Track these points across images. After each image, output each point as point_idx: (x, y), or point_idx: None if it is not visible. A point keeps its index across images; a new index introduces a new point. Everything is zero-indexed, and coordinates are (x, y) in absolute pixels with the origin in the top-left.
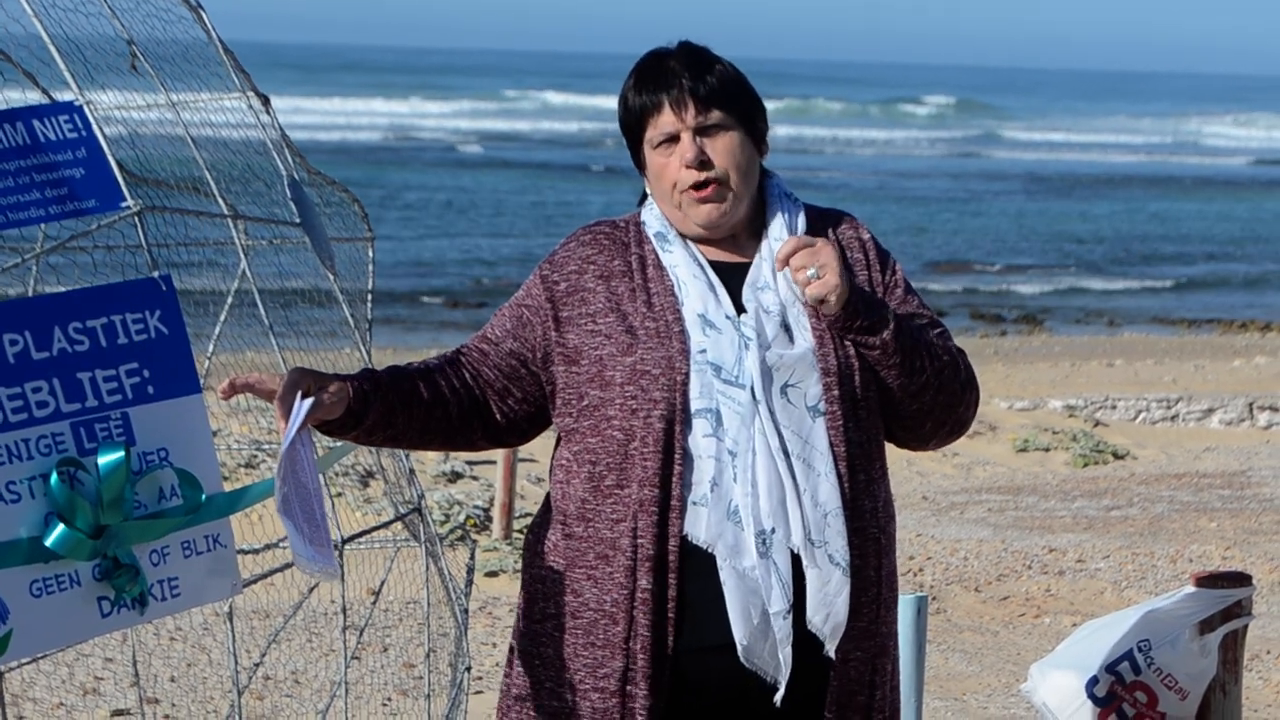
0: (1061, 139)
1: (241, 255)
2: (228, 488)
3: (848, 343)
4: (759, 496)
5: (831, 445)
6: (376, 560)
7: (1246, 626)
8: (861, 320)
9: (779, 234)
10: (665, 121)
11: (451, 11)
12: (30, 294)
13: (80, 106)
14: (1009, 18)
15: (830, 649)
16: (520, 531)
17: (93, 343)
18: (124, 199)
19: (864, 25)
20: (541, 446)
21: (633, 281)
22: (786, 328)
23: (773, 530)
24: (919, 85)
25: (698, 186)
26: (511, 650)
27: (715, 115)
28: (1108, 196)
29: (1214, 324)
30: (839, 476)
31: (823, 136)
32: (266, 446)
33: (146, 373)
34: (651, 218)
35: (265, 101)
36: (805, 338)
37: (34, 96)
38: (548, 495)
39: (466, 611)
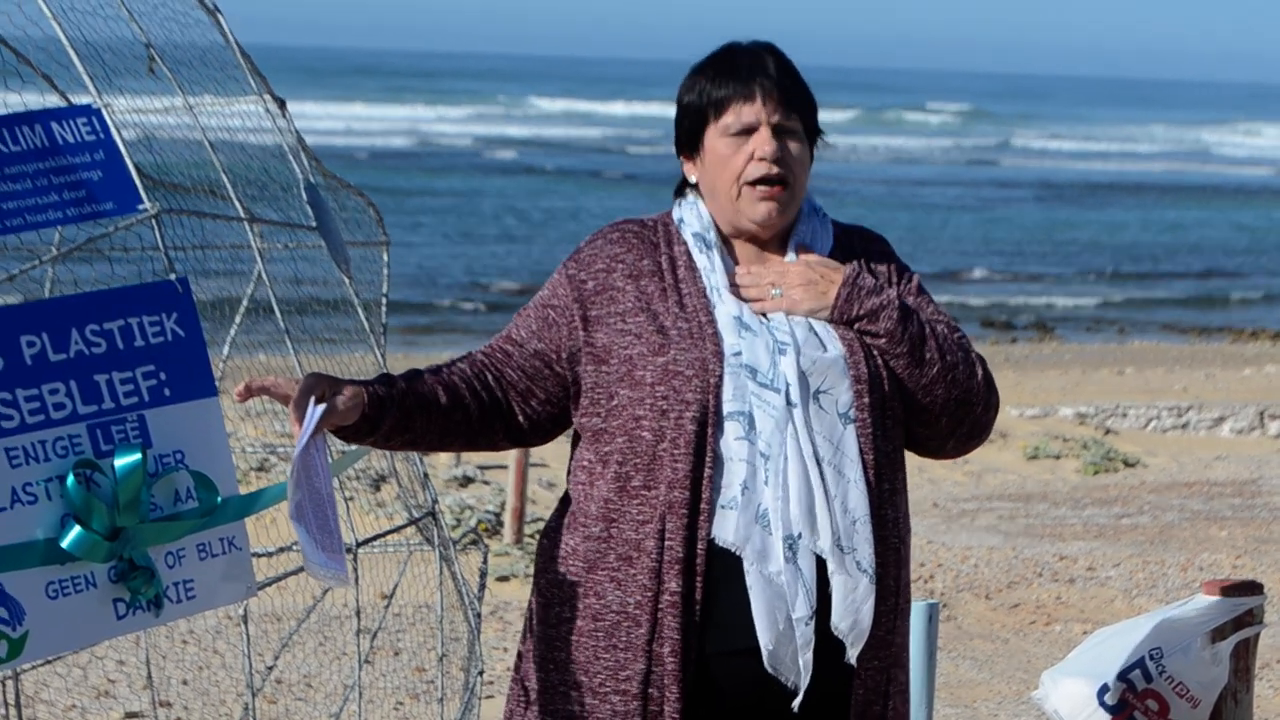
0: (1074, 147)
1: (258, 258)
2: (242, 491)
3: (875, 352)
4: (790, 501)
5: (862, 453)
6: (389, 564)
7: (1258, 635)
8: (857, 308)
9: (802, 247)
10: (751, 110)
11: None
12: (47, 296)
13: (98, 109)
14: (1019, 22)
15: (852, 655)
16: (532, 537)
17: (110, 345)
18: (141, 201)
19: (873, 30)
20: (554, 451)
21: (663, 282)
22: (815, 334)
23: (799, 535)
24: (929, 92)
25: (767, 182)
26: (520, 655)
27: (794, 119)
28: (1120, 204)
29: (1225, 332)
30: (868, 484)
31: (833, 143)
32: (279, 450)
33: (163, 375)
34: (692, 217)
35: (282, 105)
36: (835, 345)
37: (52, 100)
38: (563, 498)
39: (479, 616)
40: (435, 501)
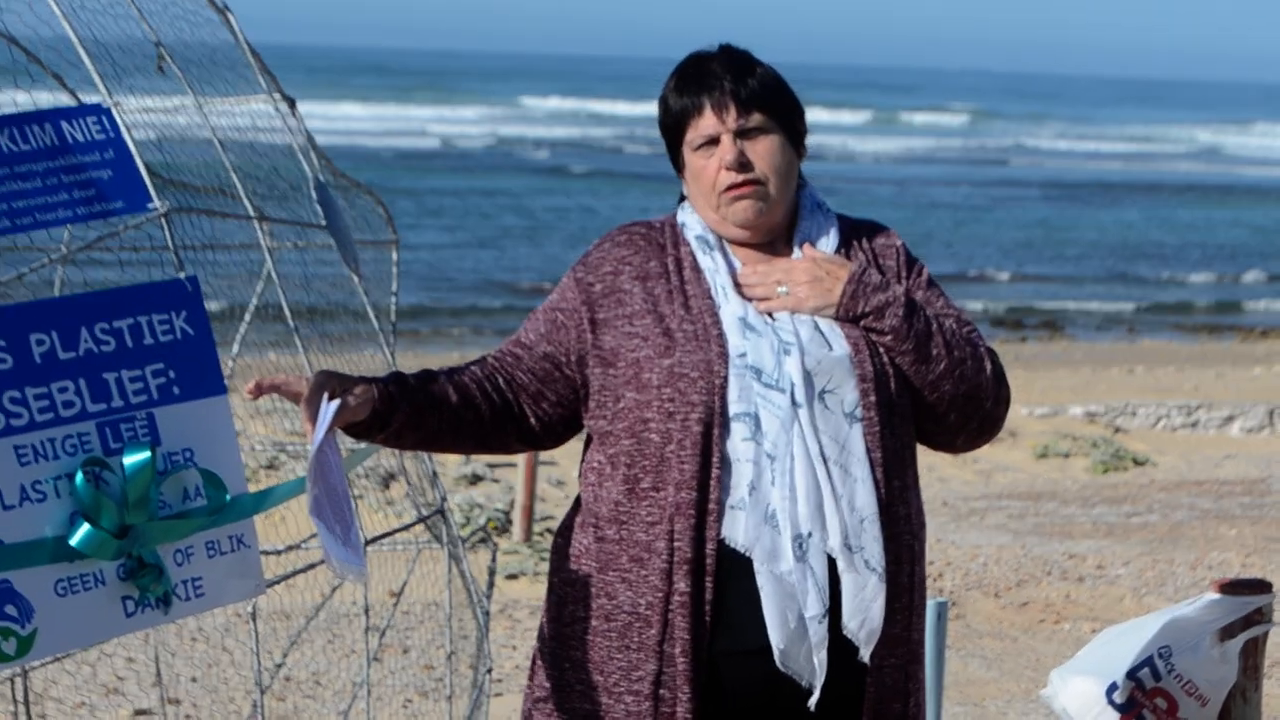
0: (1085, 148)
1: (267, 257)
2: (251, 489)
3: (881, 349)
4: (797, 500)
5: (868, 451)
6: (398, 562)
7: (1267, 633)
8: (863, 305)
9: (806, 245)
10: (706, 124)
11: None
12: (57, 294)
13: (108, 108)
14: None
15: (865, 654)
16: (541, 535)
17: (119, 343)
18: (151, 200)
19: (880, 29)
20: (564, 449)
21: (669, 284)
22: (820, 333)
23: (809, 534)
24: (937, 91)
25: (738, 186)
26: (536, 653)
27: (756, 118)
28: (1129, 204)
29: (1234, 331)
30: (875, 482)
31: (838, 142)
32: (289, 448)
33: (172, 373)
34: (693, 220)
35: (291, 104)
36: (840, 344)
37: (62, 99)
38: (577, 498)
39: (488, 614)
40: (444, 499)
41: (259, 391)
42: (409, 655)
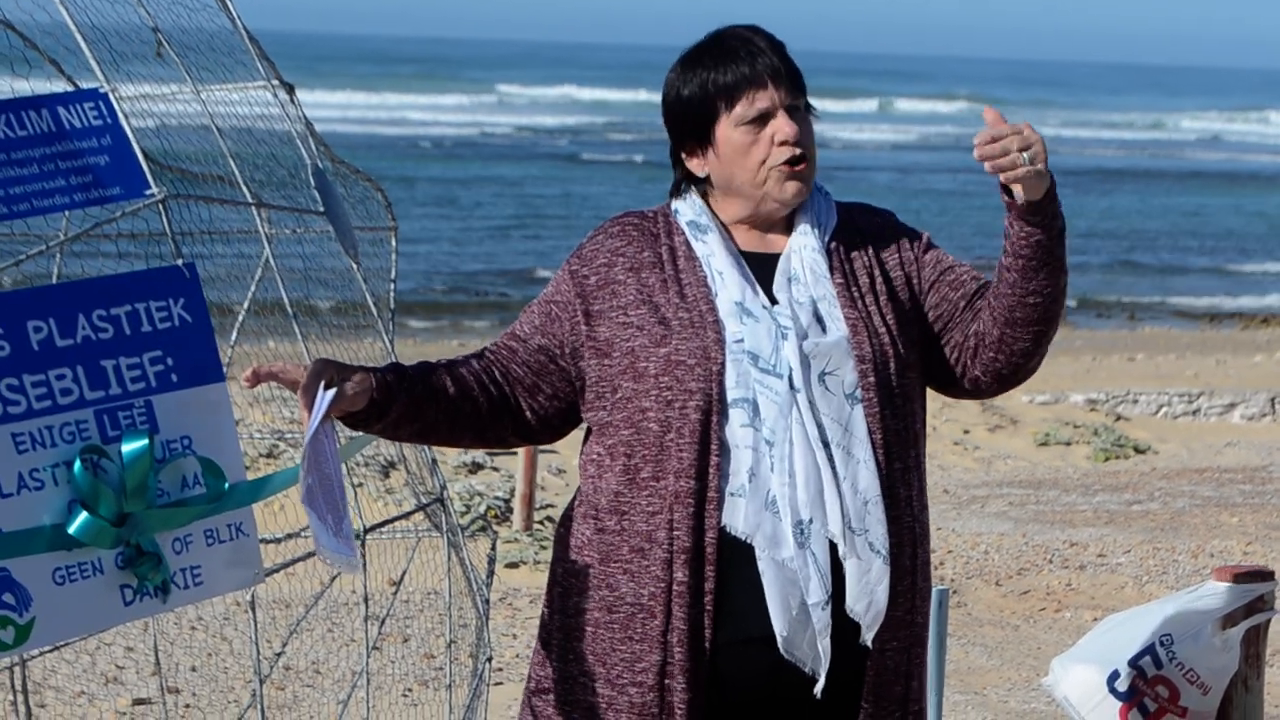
0: (1088, 135)
1: (265, 244)
2: (249, 477)
3: (881, 330)
4: (796, 487)
5: (870, 432)
6: (398, 550)
7: (1269, 621)
8: (1050, 209)
9: (805, 228)
10: (765, 96)
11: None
12: (55, 281)
13: (105, 94)
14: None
15: (868, 638)
16: (541, 523)
17: (117, 330)
18: (149, 186)
19: (880, 16)
20: (564, 438)
21: (664, 273)
22: (818, 318)
23: (810, 520)
24: (938, 79)
25: (792, 162)
26: (538, 644)
27: (801, 99)
28: (1131, 190)
29: (1236, 319)
30: (877, 464)
31: (838, 130)
32: (288, 436)
33: (170, 360)
34: (685, 207)
35: (290, 90)
36: (838, 327)
37: (59, 85)
38: (578, 490)
39: (488, 602)
40: (444, 487)
41: (256, 379)
42: (409, 644)
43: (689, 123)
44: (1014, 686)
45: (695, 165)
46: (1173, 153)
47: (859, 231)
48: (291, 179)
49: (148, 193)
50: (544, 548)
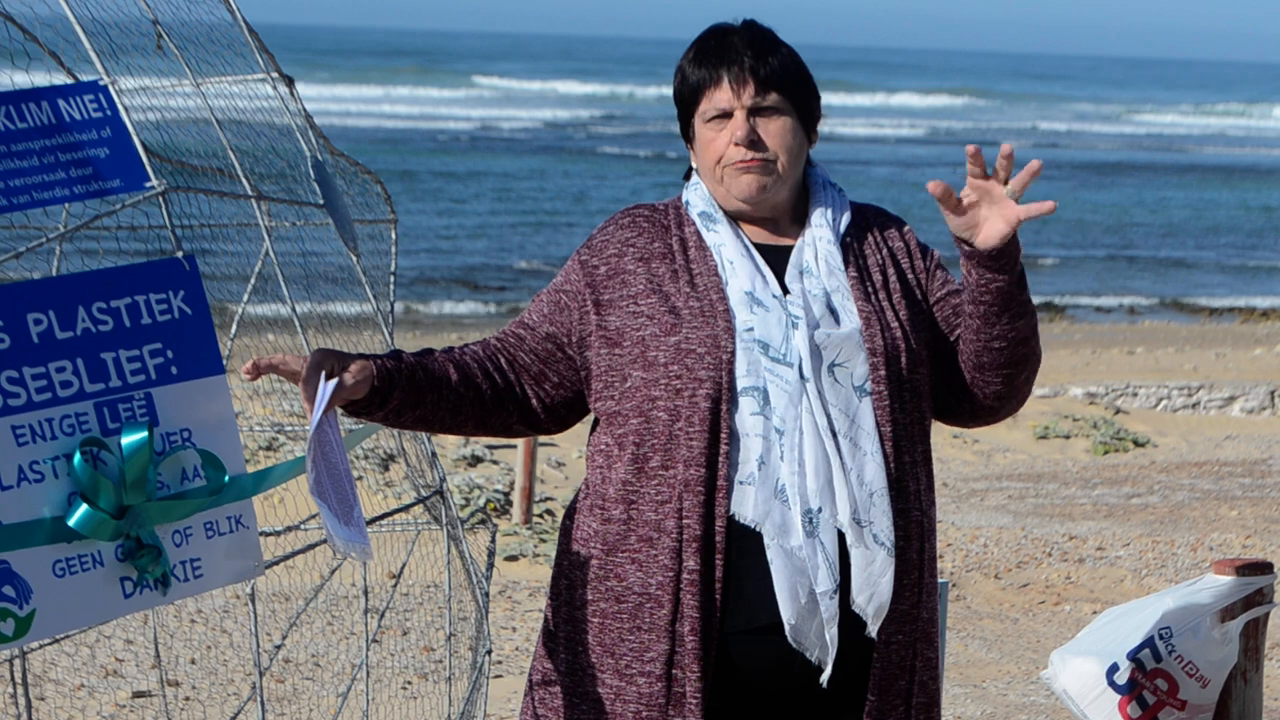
0: (1084, 128)
1: (265, 236)
2: (250, 469)
3: (894, 324)
4: (806, 475)
5: (878, 425)
6: (397, 543)
7: (1268, 614)
8: (1011, 253)
9: (820, 221)
10: (721, 97)
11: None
12: (54, 274)
13: (105, 86)
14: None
15: (873, 630)
16: (540, 516)
17: (116, 323)
18: (148, 179)
19: (878, 8)
20: (565, 431)
21: (674, 263)
22: (831, 310)
23: (819, 509)
24: (939, 73)
25: (744, 160)
26: (543, 638)
27: (772, 98)
28: (1128, 184)
29: (1235, 312)
30: (885, 456)
31: (838, 123)
32: (288, 429)
33: (170, 353)
34: (696, 197)
35: (290, 83)
36: (851, 319)
37: (60, 78)
38: (585, 481)
39: (487, 595)
40: (443, 481)
41: (257, 372)
42: (408, 637)
43: (679, 114)
44: (1013, 679)
45: (691, 155)
46: (1173, 146)
47: (874, 229)
48: (292, 171)
49: (147, 185)
50: (543, 541)
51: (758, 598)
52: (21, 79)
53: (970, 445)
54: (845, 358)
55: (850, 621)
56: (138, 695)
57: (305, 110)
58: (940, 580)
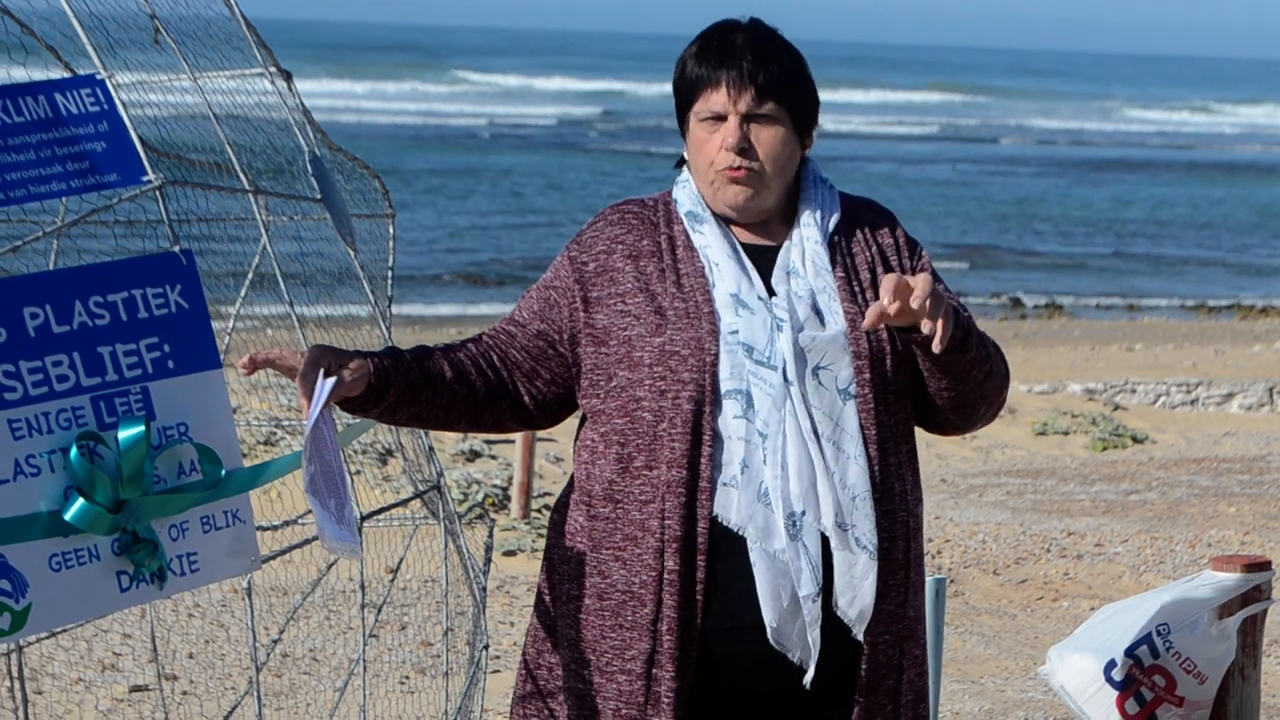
0: (1080, 125)
1: (263, 230)
2: (247, 464)
3: (879, 325)
4: (789, 479)
5: (862, 428)
6: (395, 538)
7: (1266, 611)
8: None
9: (808, 221)
10: (718, 100)
11: None
12: (51, 268)
13: (102, 80)
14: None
15: (858, 633)
16: (538, 511)
17: (113, 317)
18: (145, 173)
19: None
20: (561, 426)
21: (662, 262)
22: (817, 311)
23: (803, 513)
24: (933, 67)
25: (733, 170)
26: (531, 630)
27: (768, 106)
28: (1126, 181)
29: (1234, 309)
30: (869, 459)
31: (836, 122)
32: (286, 424)
33: (167, 347)
34: (684, 196)
35: (288, 78)
36: (837, 321)
37: (57, 72)
38: (573, 476)
39: (485, 590)
40: (441, 475)
41: (253, 366)
42: (406, 632)
43: (676, 104)
44: (1011, 675)
45: (685, 147)
46: (1173, 143)
47: (863, 226)
48: (290, 166)
49: (144, 179)
50: (541, 536)
51: (740, 598)
52: (19, 73)
53: (969, 441)
54: (830, 361)
55: (836, 622)
56: (135, 689)
57: (303, 105)
58: (938, 576)
